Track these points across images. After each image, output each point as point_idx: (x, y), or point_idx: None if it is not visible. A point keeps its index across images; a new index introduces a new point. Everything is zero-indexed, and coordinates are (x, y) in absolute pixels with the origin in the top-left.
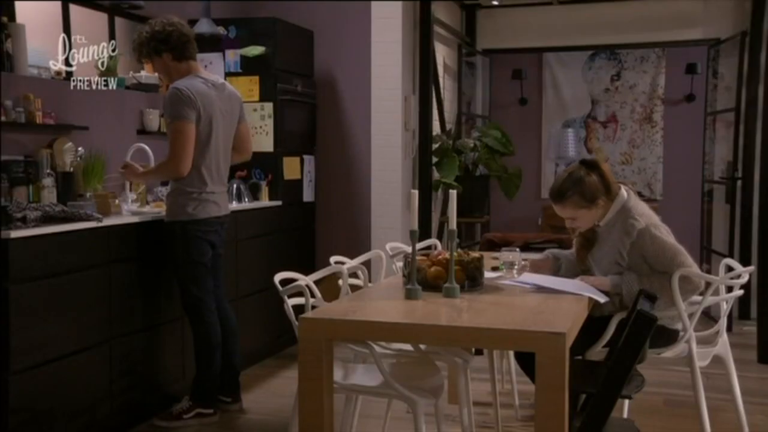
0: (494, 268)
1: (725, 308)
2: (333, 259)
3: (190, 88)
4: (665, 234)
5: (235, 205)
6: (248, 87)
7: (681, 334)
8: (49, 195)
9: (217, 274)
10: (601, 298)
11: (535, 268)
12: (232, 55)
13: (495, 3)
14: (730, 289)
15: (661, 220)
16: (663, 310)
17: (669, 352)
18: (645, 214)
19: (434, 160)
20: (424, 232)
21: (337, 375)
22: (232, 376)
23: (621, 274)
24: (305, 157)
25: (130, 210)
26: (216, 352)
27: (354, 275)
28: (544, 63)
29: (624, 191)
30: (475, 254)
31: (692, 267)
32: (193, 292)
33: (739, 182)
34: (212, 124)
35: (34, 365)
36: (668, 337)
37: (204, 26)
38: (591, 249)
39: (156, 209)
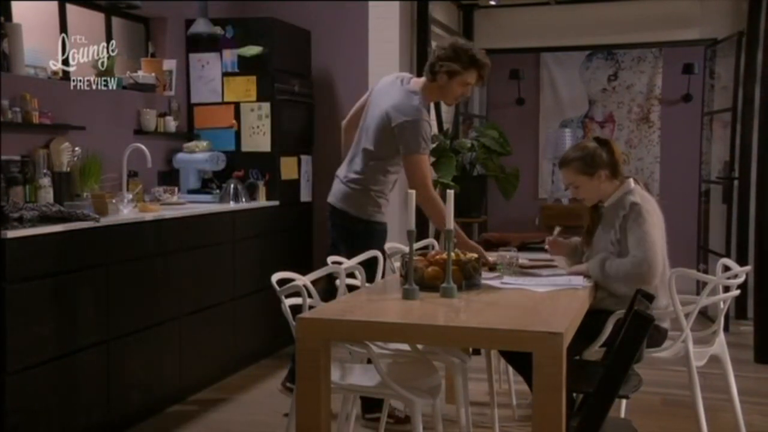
0: (491, 268)
1: (722, 308)
2: (330, 259)
3: None
4: (653, 222)
5: (232, 205)
6: (245, 87)
7: (677, 333)
8: (46, 195)
9: None
10: (587, 283)
11: (556, 246)
12: (229, 55)
13: (492, 3)
14: (727, 288)
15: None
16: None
17: (666, 352)
18: (645, 198)
19: (432, 160)
20: (421, 232)
21: (335, 375)
22: None
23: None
24: (302, 157)
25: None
26: None
27: (351, 275)
28: (541, 63)
29: (632, 180)
30: (473, 254)
31: (655, 258)
32: None
33: (735, 182)
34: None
35: (31, 365)
36: (656, 336)
37: (201, 26)
38: (595, 231)
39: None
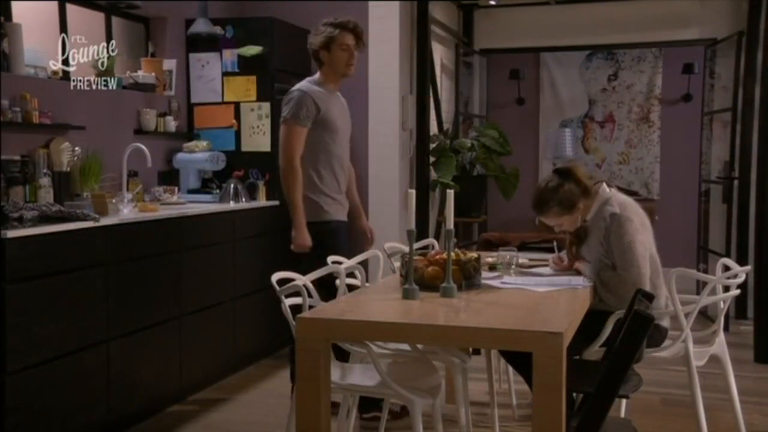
0: (491, 268)
1: (722, 308)
2: (330, 258)
3: None
4: (635, 228)
5: (232, 205)
6: (245, 87)
7: (677, 332)
8: (46, 195)
9: None
10: (587, 283)
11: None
12: (229, 55)
13: (492, 3)
14: (727, 288)
15: (658, 220)
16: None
17: (666, 352)
18: (623, 204)
19: (431, 159)
20: (421, 231)
21: (335, 375)
22: None
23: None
24: None
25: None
26: None
27: (351, 275)
28: (541, 63)
29: (605, 186)
30: (473, 254)
31: (639, 272)
32: None
33: (735, 182)
34: None
35: (31, 365)
36: (656, 335)
37: (201, 26)
38: (581, 245)
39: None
